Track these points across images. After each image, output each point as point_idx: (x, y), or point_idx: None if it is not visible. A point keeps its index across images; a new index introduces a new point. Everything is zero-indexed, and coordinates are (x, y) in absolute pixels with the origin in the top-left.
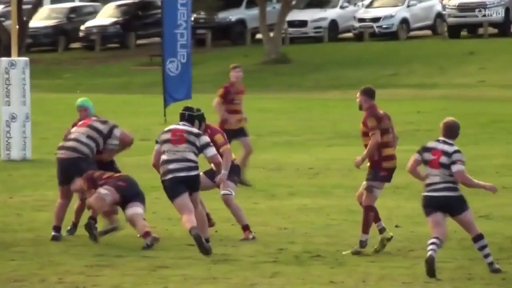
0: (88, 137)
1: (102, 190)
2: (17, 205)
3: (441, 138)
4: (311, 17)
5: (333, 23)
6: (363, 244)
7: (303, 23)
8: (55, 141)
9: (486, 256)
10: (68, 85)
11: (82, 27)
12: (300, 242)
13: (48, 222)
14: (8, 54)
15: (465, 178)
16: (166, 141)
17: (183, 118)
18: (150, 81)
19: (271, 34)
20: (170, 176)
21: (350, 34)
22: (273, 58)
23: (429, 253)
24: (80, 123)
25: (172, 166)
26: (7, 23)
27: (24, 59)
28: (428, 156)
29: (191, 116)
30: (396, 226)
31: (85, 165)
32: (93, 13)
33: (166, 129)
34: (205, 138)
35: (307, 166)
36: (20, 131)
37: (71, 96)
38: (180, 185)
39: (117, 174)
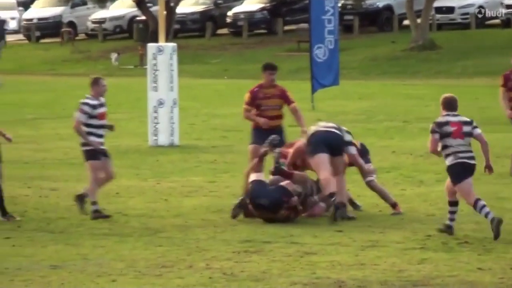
0: None
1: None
2: (164, 190)
3: (449, 113)
4: (458, 3)
5: (480, 9)
6: None
7: (450, 9)
8: (203, 127)
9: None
10: (215, 71)
11: (230, 13)
12: None
13: (196, 208)
14: (155, 39)
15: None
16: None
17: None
18: (298, 67)
19: (419, 21)
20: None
21: (497, 21)
22: (420, 44)
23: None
24: None
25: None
26: (154, 8)
27: (172, 44)
28: (447, 128)
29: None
30: None
31: None
32: None
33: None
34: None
35: None
36: (168, 117)
37: (218, 82)
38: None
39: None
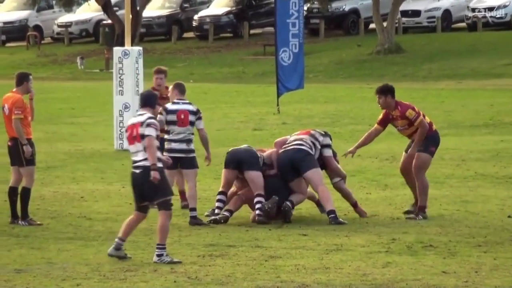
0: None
1: None
2: (129, 194)
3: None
4: (424, 6)
5: (447, 12)
6: None
7: (416, 13)
8: None
9: None
10: (181, 75)
11: (196, 17)
12: (413, 232)
13: None
14: (121, 43)
15: None
16: None
17: None
18: (264, 71)
19: (385, 24)
20: None
21: (463, 24)
22: (386, 48)
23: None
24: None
25: None
26: (120, 12)
27: (138, 48)
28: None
29: None
30: (509, 217)
31: None
32: (207, 3)
33: None
34: None
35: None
36: None
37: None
38: None
39: None
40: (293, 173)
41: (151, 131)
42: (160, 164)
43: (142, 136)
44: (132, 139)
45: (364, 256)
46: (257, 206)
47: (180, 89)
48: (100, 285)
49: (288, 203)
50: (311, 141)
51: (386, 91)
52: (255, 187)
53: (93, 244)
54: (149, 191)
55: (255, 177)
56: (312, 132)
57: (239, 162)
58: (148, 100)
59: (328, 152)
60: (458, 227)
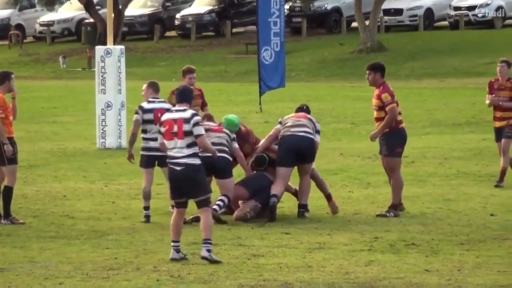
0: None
1: None
2: (112, 193)
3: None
4: (406, 5)
5: (429, 11)
6: None
7: (398, 11)
8: None
9: None
10: (163, 73)
11: (178, 16)
12: (395, 231)
13: (143, 210)
14: (103, 42)
15: None
16: None
17: None
18: (246, 70)
19: (367, 23)
20: None
21: (445, 23)
22: (368, 46)
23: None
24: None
25: None
26: (102, 11)
27: (120, 47)
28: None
29: None
30: (491, 215)
31: None
32: (189, 2)
33: None
34: None
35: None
36: (116, 119)
37: (166, 84)
38: None
39: None
40: (295, 159)
41: (201, 130)
42: (198, 161)
43: (186, 133)
44: (171, 135)
45: (347, 254)
46: (218, 201)
47: (155, 88)
48: (83, 284)
49: (275, 199)
50: (312, 127)
51: (376, 68)
52: (224, 191)
53: (76, 243)
54: (189, 189)
55: (226, 183)
56: (309, 116)
57: (212, 172)
58: (185, 95)
59: (318, 138)
60: (440, 225)
